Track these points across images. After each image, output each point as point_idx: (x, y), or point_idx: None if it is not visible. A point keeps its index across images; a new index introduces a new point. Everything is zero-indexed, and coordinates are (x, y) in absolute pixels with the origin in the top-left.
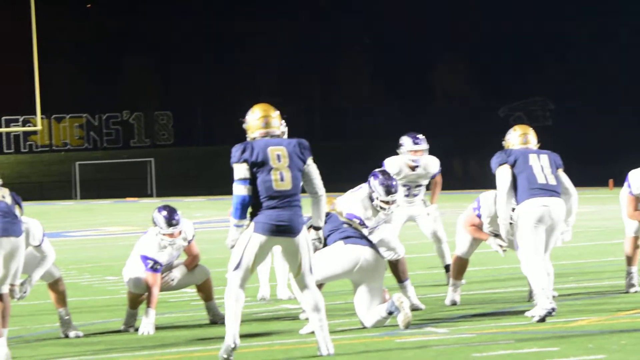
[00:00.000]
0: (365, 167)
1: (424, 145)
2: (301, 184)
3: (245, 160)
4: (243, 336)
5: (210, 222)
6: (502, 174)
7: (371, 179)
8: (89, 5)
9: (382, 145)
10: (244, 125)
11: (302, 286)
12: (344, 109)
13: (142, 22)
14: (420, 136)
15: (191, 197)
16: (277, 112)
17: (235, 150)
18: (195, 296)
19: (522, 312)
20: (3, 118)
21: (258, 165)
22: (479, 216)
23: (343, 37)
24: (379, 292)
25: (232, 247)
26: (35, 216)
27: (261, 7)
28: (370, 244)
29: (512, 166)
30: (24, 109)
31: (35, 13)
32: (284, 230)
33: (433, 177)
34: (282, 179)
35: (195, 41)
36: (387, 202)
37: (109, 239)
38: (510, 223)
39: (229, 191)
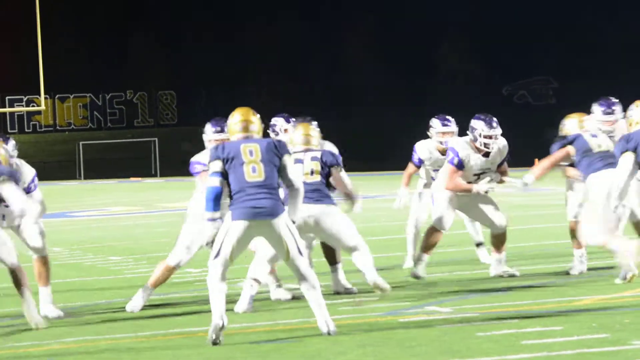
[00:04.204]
0: (370, 147)
1: (453, 127)
2: (277, 177)
3: (218, 157)
4: (247, 316)
5: None
6: (626, 161)
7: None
8: None
9: (385, 125)
10: (226, 129)
11: (295, 269)
12: (347, 88)
13: (145, 1)
14: (450, 118)
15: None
16: (257, 116)
17: (211, 151)
18: (198, 276)
19: (527, 290)
20: (7, 98)
21: (230, 161)
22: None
23: (346, 15)
24: (345, 234)
25: (208, 244)
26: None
27: None
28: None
29: (634, 151)
30: (27, 88)
31: None
32: (262, 214)
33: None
34: (254, 171)
35: (198, 20)
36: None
37: (112, 219)
38: None
39: None
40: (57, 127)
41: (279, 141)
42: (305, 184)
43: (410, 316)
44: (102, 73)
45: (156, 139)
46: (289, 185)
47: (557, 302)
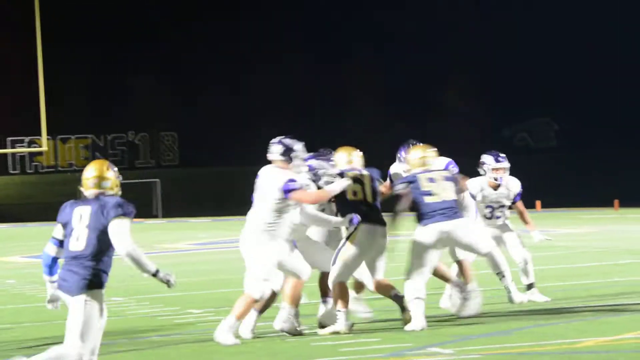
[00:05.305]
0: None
1: (506, 164)
2: (101, 245)
3: (58, 221)
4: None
5: (216, 243)
6: None
7: None
8: None
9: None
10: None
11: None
12: (351, 132)
13: (147, 43)
14: (502, 154)
15: (197, 217)
16: (113, 171)
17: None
18: (200, 317)
19: (528, 331)
20: (9, 139)
21: (65, 226)
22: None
23: (353, 61)
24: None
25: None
26: (41, 237)
27: (266, 32)
28: None
29: None
30: (29, 130)
31: (41, 35)
32: (62, 287)
33: (514, 201)
34: (77, 240)
35: (200, 62)
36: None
37: (114, 260)
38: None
39: (234, 212)
40: (59, 168)
41: (111, 202)
42: (437, 202)
43: (412, 357)
44: (103, 114)
45: (158, 180)
46: (119, 252)
47: (559, 343)
